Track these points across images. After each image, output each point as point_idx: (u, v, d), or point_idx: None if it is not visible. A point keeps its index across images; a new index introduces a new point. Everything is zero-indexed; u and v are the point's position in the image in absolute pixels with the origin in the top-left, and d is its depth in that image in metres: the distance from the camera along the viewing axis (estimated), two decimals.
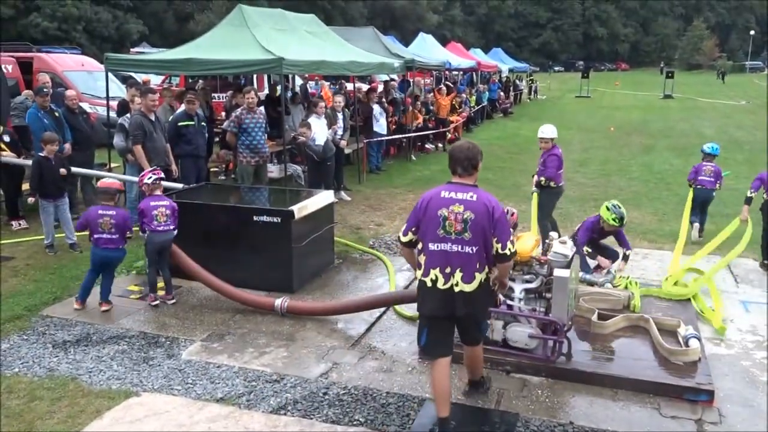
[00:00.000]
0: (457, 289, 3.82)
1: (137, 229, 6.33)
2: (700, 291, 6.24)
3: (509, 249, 3.85)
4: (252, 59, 9.24)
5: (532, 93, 38.56)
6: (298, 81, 17.88)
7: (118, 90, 14.21)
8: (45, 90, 8.95)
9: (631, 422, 4.20)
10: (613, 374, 4.66)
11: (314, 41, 11.47)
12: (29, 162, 8.52)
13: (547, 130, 7.54)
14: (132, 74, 15.51)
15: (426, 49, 21.38)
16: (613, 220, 6.35)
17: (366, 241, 8.25)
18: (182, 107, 9.11)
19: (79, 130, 8.97)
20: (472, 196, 3.85)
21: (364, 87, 17.08)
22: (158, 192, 6.19)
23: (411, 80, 17.26)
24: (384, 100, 14.37)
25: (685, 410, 4.33)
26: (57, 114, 8.76)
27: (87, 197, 9.28)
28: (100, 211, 5.85)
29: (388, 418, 4.24)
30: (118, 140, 8.58)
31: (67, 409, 4.30)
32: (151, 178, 6.18)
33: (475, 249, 3.81)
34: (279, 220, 6.30)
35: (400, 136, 14.89)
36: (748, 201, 7.55)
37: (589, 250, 6.59)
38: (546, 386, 4.63)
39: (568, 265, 4.77)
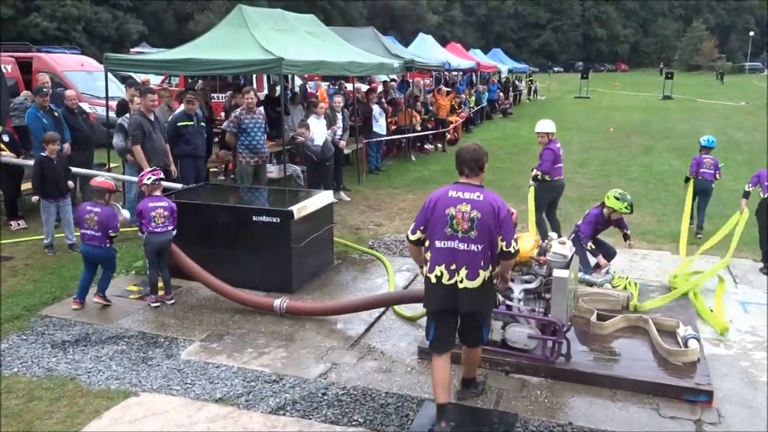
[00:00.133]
0: (461, 286, 3.92)
1: (136, 229, 6.33)
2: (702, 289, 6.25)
3: (513, 247, 3.97)
4: (251, 59, 9.23)
5: (532, 93, 38.57)
6: (298, 81, 17.89)
7: (118, 90, 14.21)
8: (44, 90, 8.95)
9: (630, 423, 4.20)
10: (612, 375, 4.66)
11: (314, 41, 11.47)
12: (29, 162, 8.53)
13: (542, 125, 7.66)
14: (131, 74, 15.52)
15: (425, 49, 21.40)
16: (626, 208, 6.45)
17: (365, 241, 8.25)
18: (181, 107, 9.11)
19: (79, 130, 8.97)
20: (478, 196, 3.97)
21: (364, 87, 17.07)
22: (157, 192, 6.19)
23: (410, 81, 17.27)
24: (383, 100, 14.37)
25: (684, 411, 4.33)
26: (56, 114, 8.76)
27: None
28: (88, 208, 5.95)
29: (387, 418, 4.24)
30: (117, 140, 8.59)
31: (66, 409, 4.30)
32: (150, 178, 6.17)
33: (480, 247, 3.92)
34: (278, 221, 6.30)
35: (400, 136, 14.89)
36: (746, 195, 7.77)
37: (593, 247, 6.58)
38: (545, 387, 4.63)
39: (567, 266, 4.76)
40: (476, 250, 3.91)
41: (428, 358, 4.95)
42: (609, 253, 6.70)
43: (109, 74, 10.52)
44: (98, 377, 4.74)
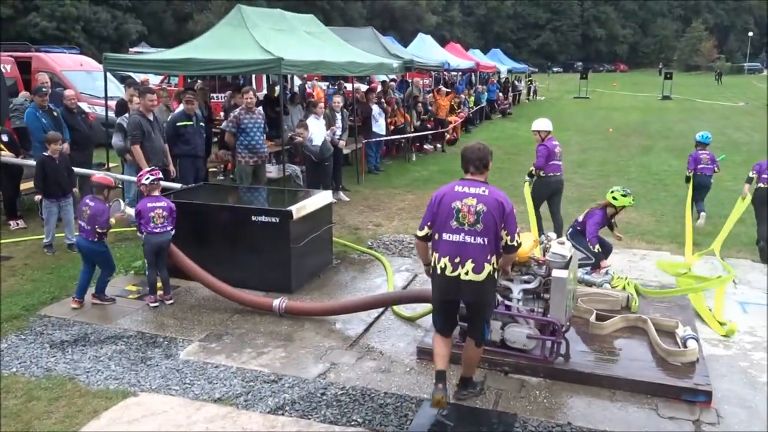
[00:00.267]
0: (465, 278, 4.06)
1: (135, 229, 6.33)
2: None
3: (516, 241, 4.14)
4: (251, 59, 9.22)
5: (531, 94, 38.58)
6: (297, 81, 17.88)
7: (117, 90, 14.21)
8: (43, 89, 8.94)
9: (629, 423, 4.20)
10: (611, 375, 4.66)
11: (313, 41, 11.47)
12: (28, 162, 8.53)
13: (537, 123, 7.93)
14: (130, 74, 15.51)
15: (425, 49, 21.39)
16: (630, 202, 6.55)
17: (364, 241, 8.25)
18: (181, 107, 9.11)
19: (78, 129, 8.95)
20: (484, 191, 4.13)
21: (363, 87, 17.07)
22: (156, 192, 6.18)
23: (410, 81, 17.26)
24: (383, 100, 14.36)
25: (683, 411, 4.33)
26: (55, 113, 8.75)
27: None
28: (87, 200, 6.00)
29: (386, 418, 4.24)
30: (116, 140, 8.58)
31: (65, 409, 4.30)
32: (148, 178, 6.16)
33: (486, 240, 4.06)
34: (277, 221, 6.30)
35: (399, 136, 14.88)
36: (749, 180, 8.31)
37: (599, 249, 6.53)
38: (544, 387, 4.63)
39: (566, 266, 4.76)
40: (482, 243, 4.05)
41: (427, 358, 4.98)
42: (607, 250, 6.73)
43: (108, 74, 10.52)
44: (97, 377, 4.74)
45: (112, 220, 5.98)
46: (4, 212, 8.82)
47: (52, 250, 7.54)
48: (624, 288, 6.19)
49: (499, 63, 32.97)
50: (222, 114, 12.26)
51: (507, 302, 4.91)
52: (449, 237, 4.10)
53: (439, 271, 4.14)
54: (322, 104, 10.46)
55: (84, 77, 16.05)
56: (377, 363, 5.01)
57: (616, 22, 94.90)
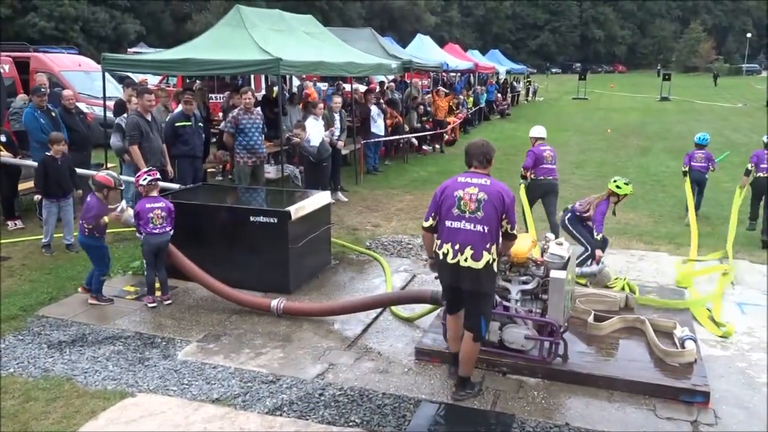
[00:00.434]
0: (465, 265, 4.17)
1: (132, 229, 6.32)
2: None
3: (516, 231, 4.32)
4: (249, 60, 9.22)
5: (530, 95, 38.60)
6: (296, 82, 17.88)
7: (115, 90, 14.20)
8: (42, 90, 8.94)
9: (626, 423, 4.20)
10: (609, 375, 4.66)
11: (312, 42, 11.47)
12: (26, 162, 8.52)
13: (531, 131, 8.48)
14: (129, 74, 15.49)
15: (423, 50, 21.41)
16: (631, 190, 6.75)
17: (363, 242, 8.25)
18: (179, 108, 9.10)
19: (76, 130, 8.95)
20: (486, 182, 4.30)
21: (362, 88, 17.07)
22: (154, 193, 6.18)
23: (408, 81, 17.27)
24: (381, 101, 14.37)
25: (681, 411, 4.33)
26: (54, 114, 8.74)
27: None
28: (87, 197, 6.13)
29: (384, 419, 4.23)
30: (115, 140, 8.58)
31: (62, 409, 4.29)
32: (146, 179, 6.15)
33: (486, 228, 4.17)
34: (276, 221, 6.30)
35: (398, 137, 14.88)
36: (747, 173, 8.95)
37: (599, 238, 6.62)
38: (542, 387, 4.63)
39: (564, 267, 4.77)
40: (482, 230, 4.16)
41: (425, 359, 5.00)
42: (604, 244, 6.83)
43: (106, 74, 10.51)
44: (95, 378, 4.73)
45: (106, 219, 5.98)
46: (2, 212, 8.80)
47: (51, 250, 7.52)
48: (623, 288, 6.20)
49: (498, 64, 32.98)
50: (220, 114, 12.27)
51: (505, 303, 4.91)
52: (451, 224, 4.25)
53: (441, 257, 4.29)
54: (321, 105, 10.46)
55: (82, 77, 16.04)
56: (375, 363, 5.01)
57: (614, 23, 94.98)
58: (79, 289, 6.30)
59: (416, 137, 15.59)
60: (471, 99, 23.24)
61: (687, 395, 4.44)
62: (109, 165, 10.10)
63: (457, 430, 4.13)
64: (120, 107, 10.38)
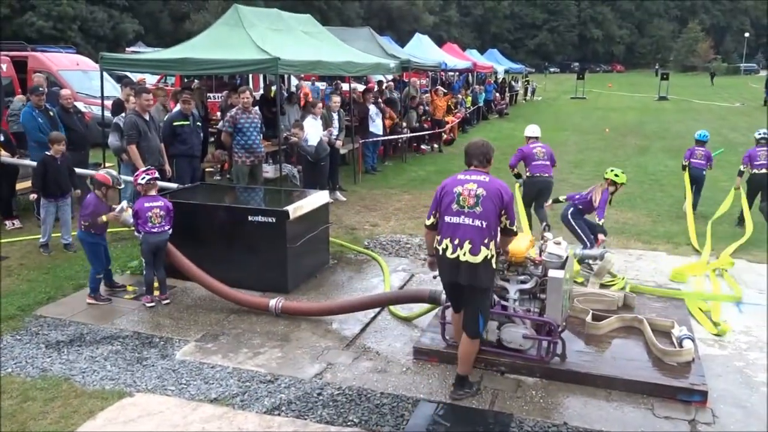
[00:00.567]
0: (463, 260, 4.21)
1: (130, 229, 6.32)
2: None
3: (516, 226, 4.42)
4: (248, 59, 9.22)
5: (529, 94, 38.61)
6: (294, 81, 17.87)
7: (113, 89, 14.17)
8: (40, 89, 8.92)
9: (624, 423, 4.21)
10: (606, 375, 4.66)
11: (310, 41, 11.47)
12: (25, 162, 8.51)
13: (526, 130, 8.75)
14: (127, 74, 15.47)
15: (422, 49, 21.40)
16: (626, 179, 7.02)
17: (361, 241, 8.25)
18: (178, 107, 9.09)
19: (74, 129, 8.94)
20: (485, 179, 4.37)
21: (360, 87, 17.06)
22: (153, 192, 6.17)
23: (407, 81, 17.26)
24: (380, 100, 14.36)
25: (679, 411, 4.34)
26: (51, 113, 8.74)
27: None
28: (88, 194, 6.15)
29: (382, 418, 4.24)
30: (113, 140, 8.57)
31: (60, 409, 4.29)
32: (144, 178, 6.15)
33: (485, 224, 4.22)
34: (274, 220, 6.30)
35: (396, 136, 14.88)
36: (740, 174, 9.25)
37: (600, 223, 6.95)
38: (540, 387, 4.64)
39: (562, 266, 4.77)
40: (480, 225, 4.21)
41: (423, 358, 5.00)
42: (604, 231, 7.07)
43: (104, 74, 10.50)
44: (93, 377, 4.73)
45: (104, 218, 5.97)
46: (0, 212, 8.79)
47: (48, 250, 7.52)
48: (622, 288, 6.21)
49: (496, 63, 33.01)
50: (219, 114, 12.25)
51: (503, 302, 4.91)
52: (450, 219, 4.30)
53: (441, 253, 4.33)
54: (320, 104, 10.45)
55: (80, 77, 16.03)
56: (374, 363, 5.01)
57: (612, 22, 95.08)
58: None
59: (415, 136, 15.58)
60: (469, 98, 23.24)
61: (685, 394, 4.45)
62: (107, 164, 10.08)
63: (455, 430, 4.13)
64: (118, 107, 10.37)
